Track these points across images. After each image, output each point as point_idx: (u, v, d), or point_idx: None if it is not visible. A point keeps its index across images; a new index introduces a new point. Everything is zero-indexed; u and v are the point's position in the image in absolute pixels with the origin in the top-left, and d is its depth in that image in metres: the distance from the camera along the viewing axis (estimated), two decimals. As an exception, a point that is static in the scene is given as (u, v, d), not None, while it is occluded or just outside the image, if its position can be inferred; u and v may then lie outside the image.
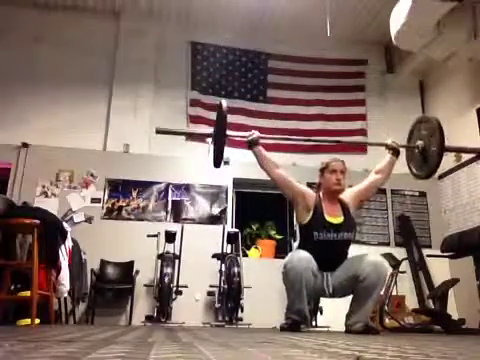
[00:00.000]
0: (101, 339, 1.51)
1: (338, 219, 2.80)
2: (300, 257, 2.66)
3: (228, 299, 4.80)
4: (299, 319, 2.68)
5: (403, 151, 3.21)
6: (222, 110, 2.79)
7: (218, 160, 2.87)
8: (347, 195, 2.94)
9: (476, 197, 5.66)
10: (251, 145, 2.91)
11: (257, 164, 2.95)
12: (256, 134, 2.93)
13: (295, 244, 3.06)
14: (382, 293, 4.47)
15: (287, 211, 6.40)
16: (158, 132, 2.94)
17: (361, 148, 6.48)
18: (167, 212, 5.81)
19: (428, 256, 5.48)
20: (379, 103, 6.91)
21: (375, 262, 2.71)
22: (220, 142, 2.81)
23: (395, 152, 3.08)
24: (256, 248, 5.97)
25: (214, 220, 5.83)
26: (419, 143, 3.05)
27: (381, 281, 2.70)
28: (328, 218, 2.78)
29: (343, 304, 2.85)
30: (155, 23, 6.60)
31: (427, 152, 3.00)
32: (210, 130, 2.93)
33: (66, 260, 3.87)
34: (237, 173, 6.01)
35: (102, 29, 6.52)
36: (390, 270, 4.45)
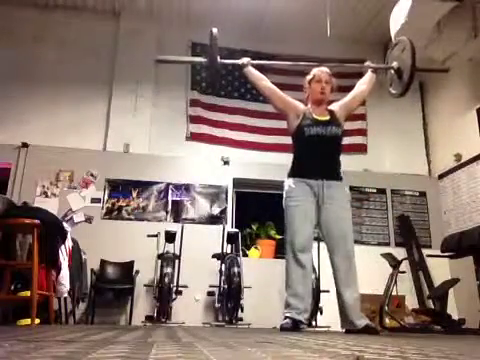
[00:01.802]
0: (101, 339, 1.51)
1: (325, 117, 3.00)
2: (298, 230, 2.79)
3: (228, 299, 4.80)
4: (298, 312, 2.71)
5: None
6: (212, 38, 3.01)
7: (214, 85, 3.54)
8: (335, 107, 3.11)
9: (476, 197, 5.66)
10: (243, 67, 3.14)
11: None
12: (247, 59, 3.16)
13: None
14: (382, 293, 4.49)
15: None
16: (159, 61, 3.30)
17: (361, 148, 6.49)
18: (167, 212, 5.81)
19: (428, 256, 5.47)
20: (379, 103, 6.89)
21: (346, 256, 2.80)
22: (213, 69, 3.10)
23: (373, 70, 3.27)
24: (256, 248, 5.97)
25: (214, 220, 5.82)
26: (394, 64, 3.23)
27: (353, 269, 2.80)
28: (316, 116, 3.00)
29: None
30: (155, 23, 6.60)
31: (401, 69, 3.16)
32: (204, 60, 3.19)
33: (66, 260, 3.87)
34: (237, 173, 6.00)
35: (102, 29, 6.52)
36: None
